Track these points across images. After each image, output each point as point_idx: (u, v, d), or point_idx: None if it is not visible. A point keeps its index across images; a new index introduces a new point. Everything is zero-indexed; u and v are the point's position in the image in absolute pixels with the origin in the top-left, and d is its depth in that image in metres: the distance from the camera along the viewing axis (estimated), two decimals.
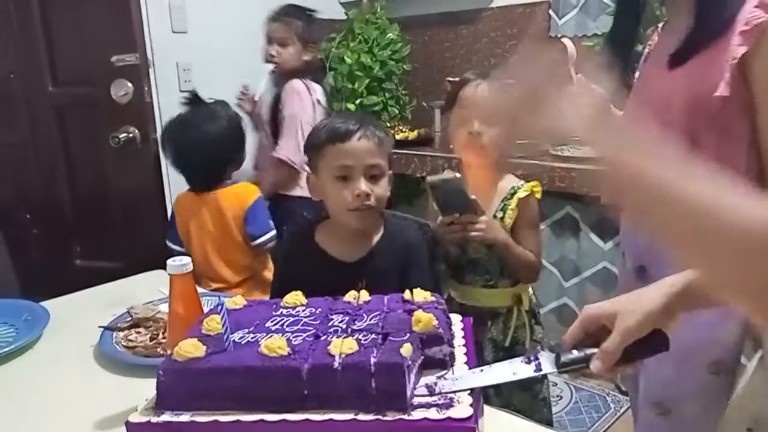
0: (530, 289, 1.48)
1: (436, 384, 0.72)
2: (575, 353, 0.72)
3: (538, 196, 1.42)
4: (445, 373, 0.75)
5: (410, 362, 0.69)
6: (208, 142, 1.70)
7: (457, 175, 1.31)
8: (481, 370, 0.75)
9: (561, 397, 2.28)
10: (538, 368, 0.73)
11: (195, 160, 1.71)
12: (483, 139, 1.33)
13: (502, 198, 1.40)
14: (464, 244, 1.40)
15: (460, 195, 1.27)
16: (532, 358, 0.75)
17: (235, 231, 1.73)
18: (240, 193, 1.75)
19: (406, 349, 0.69)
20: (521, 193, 1.39)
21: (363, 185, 1.09)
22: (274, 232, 1.76)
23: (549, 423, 1.54)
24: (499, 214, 1.39)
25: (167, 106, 2.37)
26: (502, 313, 1.42)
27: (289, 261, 1.23)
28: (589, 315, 0.74)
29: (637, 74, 1.19)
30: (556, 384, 2.36)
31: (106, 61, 1.99)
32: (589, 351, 0.71)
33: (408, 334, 0.74)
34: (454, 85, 1.41)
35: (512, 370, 0.75)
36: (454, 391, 0.70)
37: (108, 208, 2.20)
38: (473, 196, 1.29)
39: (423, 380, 0.72)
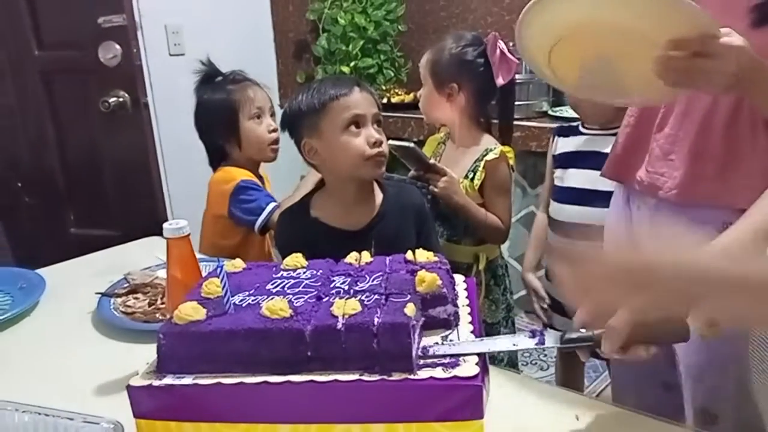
0: (498, 251, 1.53)
1: (431, 347, 0.70)
2: (583, 332, 0.70)
3: (511, 161, 1.47)
4: (450, 333, 0.74)
5: (414, 322, 0.68)
6: None
7: (410, 144, 1.36)
8: (482, 340, 0.73)
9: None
10: (541, 342, 0.72)
11: None
12: None
13: (475, 159, 1.44)
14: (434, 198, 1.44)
15: (417, 158, 1.38)
16: (537, 333, 0.73)
17: None
18: None
19: (410, 309, 0.68)
20: (490, 156, 1.43)
21: (375, 132, 1.09)
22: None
23: (514, 365, 1.61)
24: (470, 175, 1.43)
25: (156, 70, 2.32)
26: (462, 269, 1.45)
27: (290, 244, 1.10)
28: None
29: None
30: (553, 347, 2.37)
31: (92, 22, 1.93)
32: (597, 332, 0.69)
33: (410, 294, 0.73)
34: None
35: (512, 341, 0.75)
36: (449, 355, 0.69)
37: (100, 175, 2.17)
38: (431, 160, 1.40)
39: (423, 341, 0.71)
